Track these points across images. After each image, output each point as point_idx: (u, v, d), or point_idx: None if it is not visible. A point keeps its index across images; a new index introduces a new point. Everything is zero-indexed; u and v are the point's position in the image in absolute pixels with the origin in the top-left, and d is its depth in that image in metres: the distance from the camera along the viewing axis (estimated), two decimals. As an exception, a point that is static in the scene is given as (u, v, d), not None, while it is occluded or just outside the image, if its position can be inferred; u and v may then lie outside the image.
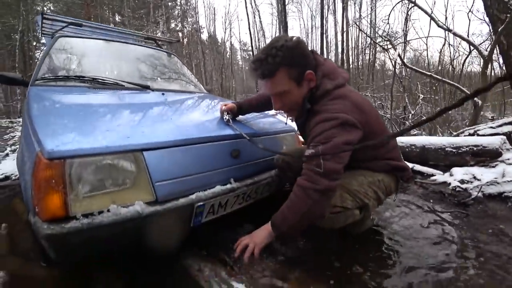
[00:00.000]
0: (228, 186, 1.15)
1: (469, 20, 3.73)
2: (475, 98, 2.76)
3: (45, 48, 2.22)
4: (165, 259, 1.17)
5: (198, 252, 1.18)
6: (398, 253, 1.16)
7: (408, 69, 3.50)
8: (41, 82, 1.65)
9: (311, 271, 1.07)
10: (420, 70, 3.56)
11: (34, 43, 14.99)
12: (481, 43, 3.42)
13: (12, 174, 2.83)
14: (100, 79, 1.77)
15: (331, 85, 1.02)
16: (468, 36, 3.92)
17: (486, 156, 1.94)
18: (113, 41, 2.45)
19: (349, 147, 0.93)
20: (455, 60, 4.91)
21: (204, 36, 22.02)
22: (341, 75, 1.07)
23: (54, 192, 0.79)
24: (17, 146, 4.24)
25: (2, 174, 2.84)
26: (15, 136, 5.04)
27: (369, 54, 15.95)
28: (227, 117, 1.36)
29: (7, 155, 3.80)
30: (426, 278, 1.00)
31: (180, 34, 19.19)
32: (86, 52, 2.08)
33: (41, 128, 0.95)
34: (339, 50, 16.19)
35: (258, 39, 20.15)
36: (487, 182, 1.63)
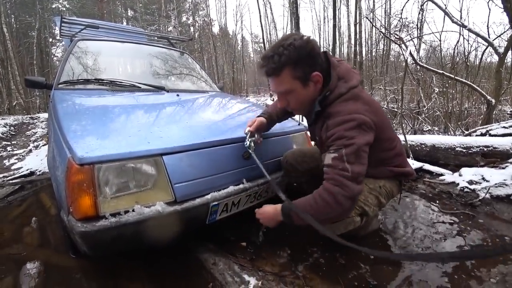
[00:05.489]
0: (241, 186, 1.22)
1: (489, 10, 3.57)
2: (489, 97, 2.70)
3: (65, 51, 2.34)
4: (183, 253, 1.26)
5: (213, 247, 1.27)
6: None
7: (421, 64, 3.44)
8: (64, 85, 1.76)
9: (318, 267, 1.14)
10: (432, 68, 3.47)
11: (50, 40, 15.37)
12: (494, 39, 3.30)
13: (36, 170, 2.99)
14: (118, 82, 1.86)
15: (345, 89, 1.02)
16: (488, 26, 3.78)
17: (496, 157, 1.93)
18: (128, 42, 2.54)
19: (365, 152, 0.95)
20: (472, 53, 4.73)
21: (215, 29, 21.95)
22: (355, 76, 1.07)
23: (86, 194, 0.89)
24: (39, 142, 4.46)
25: (27, 170, 3.01)
26: (36, 132, 5.28)
27: (383, 45, 15.52)
28: (248, 142, 1.24)
29: (30, 151, 4.00)
30: (427, 277, 1.05)
31: (192, 28, 19.23)
32: (103, 54, 2.17)
33: (69, 134, 1.04)
34: (352, 41, 15.85)
35: (270, 32, 19.93)
36: (496, 184, 1.63)
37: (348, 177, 0.91)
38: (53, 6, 14.97)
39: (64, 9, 16.09)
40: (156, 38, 3.65)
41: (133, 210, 0.94)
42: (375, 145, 1.02)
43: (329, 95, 1.03)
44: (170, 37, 3.15)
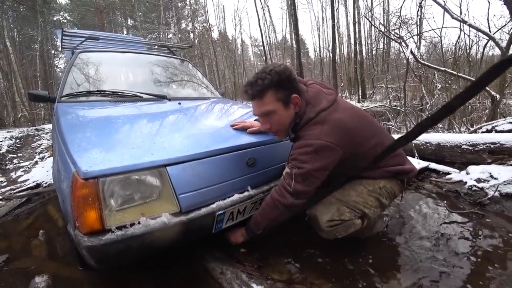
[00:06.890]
0: (246, 193, 1.22)
1: (489, 3, 3.54)
2: (493, 92, 2.67)
3: (67, 63, 2.37)
4: (191, 263, 1.26)
5: (220, 256, 1.26)
6: (410, 255, 1.20)
7: (423, 60, 3.42)
8: (66, 98, 1.77)
9: (326, 273, 1.13)
10: (433, 66, 3.46)
11: (53, 52, 15.58)
12: (495, 32, 3.26)
13: (42, 182, 3.01)
14: (120, 92, 1.87)
15: (313, 113, 1.09)
16: (488, 20, 3.75)
17: (504, 154, 1.89)
18: (128, 52, 2.56)
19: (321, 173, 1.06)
20: (473, 47, 4.67)
21: (215, 34, 22.08)
22: (325, 98, 1.12)
23: (91, 208, 0.89)
24: (45, 153, 4.50)
25: (34, 182, 3.04)
26: (42, 143, 5.33)
27: (383, 43, 15.50)
28: None
29: (36, 162, 4.04)
30: (436, 280, 1.03)
31: (191, 35, 19.37)
32: (105, 65, 2.19)
33: (73, 148, 1.04)
34: (352, 41, 15.83)
35: (269, 35, 20.04)
36: (504, 181, 1.60)
37: (288, 191, 1.08)
38: (55, 18, 15.20)
39: (65, 21, 16.35)
40: (156, 46, 3.68)
41: (138, 223, 0.93)
42: (356, 158, 1.08)
43: (299, 121, 1.13)
44: (170, 45, 3.17)
